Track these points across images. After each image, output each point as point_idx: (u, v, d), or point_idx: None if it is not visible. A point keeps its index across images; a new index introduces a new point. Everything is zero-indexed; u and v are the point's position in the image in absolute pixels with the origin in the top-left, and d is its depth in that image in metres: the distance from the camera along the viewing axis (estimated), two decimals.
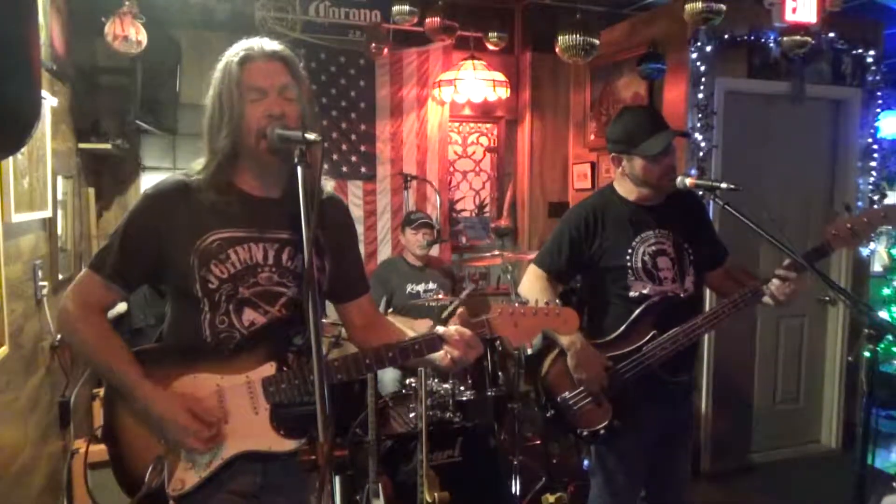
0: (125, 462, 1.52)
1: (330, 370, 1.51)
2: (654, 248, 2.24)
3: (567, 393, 2.26)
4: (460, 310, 1.58)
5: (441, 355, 1.53)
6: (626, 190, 2.30)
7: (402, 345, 1.54)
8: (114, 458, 1.53)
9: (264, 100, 1.48)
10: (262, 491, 1.57)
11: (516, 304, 1.56)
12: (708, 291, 3.31)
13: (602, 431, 2.22)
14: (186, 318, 1.53)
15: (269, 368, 1.51)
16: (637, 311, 2.20)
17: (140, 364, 1.49)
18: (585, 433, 2.25)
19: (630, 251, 2.23)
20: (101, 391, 1.62)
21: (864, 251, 4.52)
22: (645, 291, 2.21)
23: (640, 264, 2.22)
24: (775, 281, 2.09)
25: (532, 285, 2.36)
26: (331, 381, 1.52)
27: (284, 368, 1.52)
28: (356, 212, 4.67)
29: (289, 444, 1.51)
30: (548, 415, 2.33)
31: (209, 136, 1.53)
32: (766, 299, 2.13)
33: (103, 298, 1.53)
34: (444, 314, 2.97)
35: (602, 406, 2.22)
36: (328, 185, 1.69)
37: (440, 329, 1.53)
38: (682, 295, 2.24)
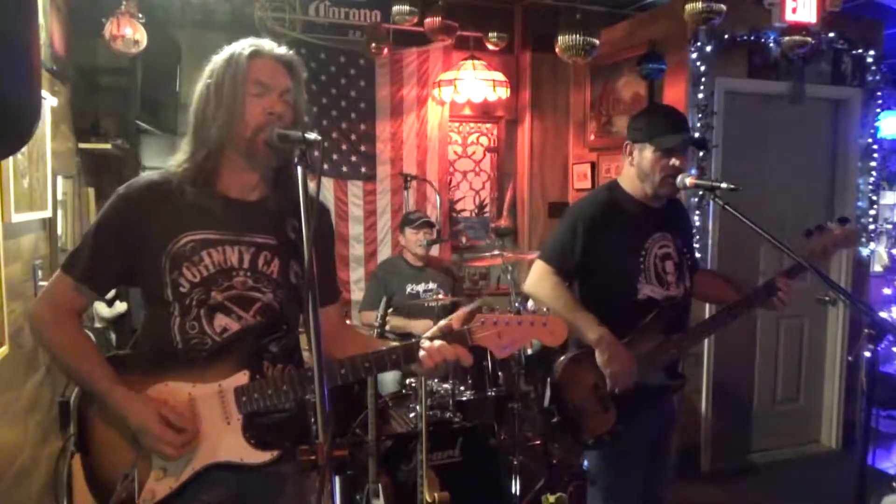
0: (96, 471, 1.49)
1: (303, 380, 1.47)
2: (662, 250, 2.24)
3: (579, 399, 2.17)
4: (443, 322, 1.54)
5: (417, 366, 1.51)
6: (632, 187, 2.27)
7: (378, 355, 1.51)
8: (85, 467, 1.50)
9: (266, 96, 1.47)
10: (236, 501, 1.53)
11: (498, 315, 1.50)
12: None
13: (606, 437, 2.16)
14: (157, 323, 1.50)
15: (242, 377, 1.46)
16: (650, 317, 2.17)
17: (113, 370, 1.46)
18: (591, 441, 2.19)
19: (643, 252, 2.21)
20: None
21: (864, 251, 4.52)
22: (652, 294, 2.20)
23: (651, 266, 2.21)
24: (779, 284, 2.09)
25: (542, 283, 2.25)
26: (304, 393, 1.49)
27: (258, 377, 1.48)
28: (356, 212, 4.67)
29: (261, 457, 1.47)
30: (553, 420, 2.23)
31: (198, 125, 1.50)
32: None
33: (74, 301, 1.50)
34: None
35: (608, 411, 2.16)
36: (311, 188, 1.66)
37: (424, 342, 1.49)
38: (680, 298, 2.26)
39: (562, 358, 2.23)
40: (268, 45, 1.53)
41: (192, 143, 1.52)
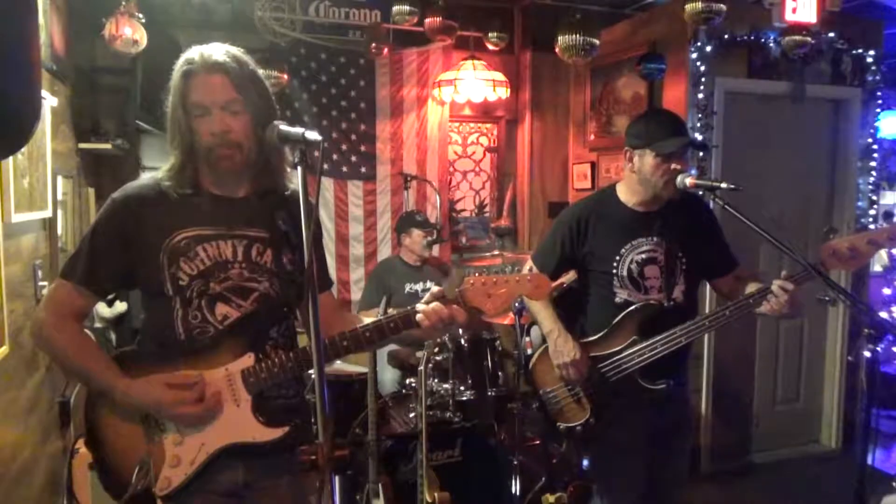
0: (110, 466, 1.53)
1: (307, 355, 1.51)
2: (643, 256, 2.24)
3: (548, 388, 2.35)
4: (436, 289, 1.59)
5: (416, 329, 1.56)
6: (628, 193, 2.30)
7: (377, 323, 1.56)
8: (98, 463, 1.54)
9: (207, 117, 1.49)
10: (245, 490, 1.57)
11: (486, 276, 1.58)
12: (708, 299, 3.35)
13: (578, 428, 2.30)
14: (160, 318, 1.55)
15: (247, 360, 1.52)
16: (619, 317, 2.23)
17: (120, 367, 1.50)
18: (563, 427, 2.33)
19: (617, 258, 2.25)
20: None
21: None
22: (629, 298, 2.24)
23: (625, 272, 2.24)
24: (775, 290, 2.04)
25: None
26: (308, 368, 1.53)
27: (263, 358, 1.53)
28: (356, 212, 4.67)
29: (272, 434, 1.53)
30: (534, 406, 2.43)
31: (170, 143, 1.56)
32: (763, 309, 2.09)
33: (76, 305, 1.54)
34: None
35: (581, 404, 2.29)
36: (291, 184, 1.67)
37: (419, 306, 1.54)
38: (665, 304, 2.24)
39: (538, 351, 2.41)
40: (199, 57, 1.50)
41: (173, 156, 1.57)
